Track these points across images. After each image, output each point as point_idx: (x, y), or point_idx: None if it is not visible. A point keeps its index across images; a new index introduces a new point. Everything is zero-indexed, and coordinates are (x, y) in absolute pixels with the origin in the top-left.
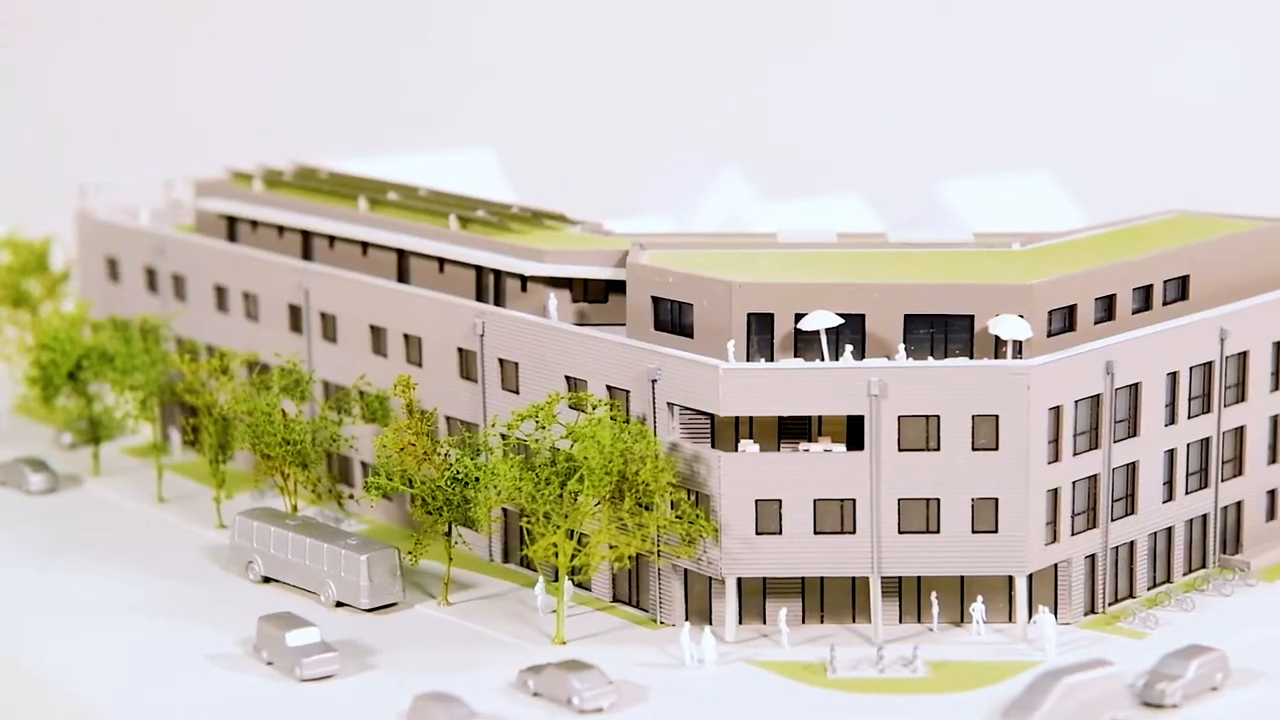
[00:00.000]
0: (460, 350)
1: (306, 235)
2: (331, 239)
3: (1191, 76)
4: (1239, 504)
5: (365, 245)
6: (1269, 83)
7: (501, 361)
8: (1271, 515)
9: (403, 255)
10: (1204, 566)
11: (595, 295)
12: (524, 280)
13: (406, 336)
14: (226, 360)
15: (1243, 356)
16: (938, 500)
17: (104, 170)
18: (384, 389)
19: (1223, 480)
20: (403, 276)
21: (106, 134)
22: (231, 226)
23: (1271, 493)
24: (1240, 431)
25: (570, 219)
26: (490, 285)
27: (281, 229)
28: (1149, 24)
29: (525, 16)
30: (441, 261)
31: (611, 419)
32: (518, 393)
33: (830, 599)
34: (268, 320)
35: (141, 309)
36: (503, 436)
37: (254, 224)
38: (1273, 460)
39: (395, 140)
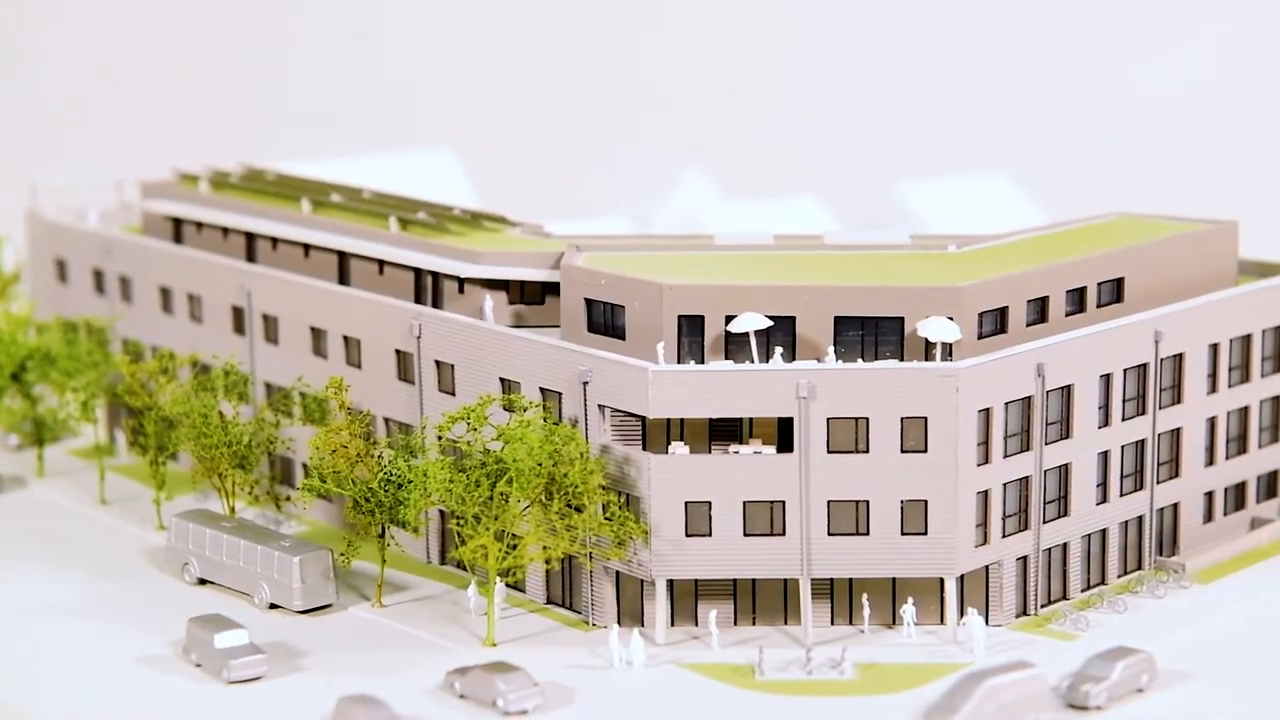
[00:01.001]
0: (398, 352)
1: (250, 237)
2: (274, 241)
3: (1153, 77)
4: (1175, 506)
5: (307, 247)
6: (1235, 82)
7: (438, 363)
8: (1209, 517)
9: (344, 257)
10: (1140, 568)
11: (532, 297)
12: (461, 282)
13: (346, 338)
14: (166, 361)
15: (1178, 359)
16: (867, 502)
17: (57, 171)
18: (323, 390)
19: (1159, 482)
20: (344, 278)
21: (60, 135)
22: (177, 228)
23: (1209, 495)
24: (1176, 434)
25: (510, 220)
26: (429, 287)
27: (226, 231)
28: (1114, 25)
29: (490, 16)
30: (381, 263)
31: (543, 420)
32: (454, 394)
33: (762, 601)
34: (211, 322)
35: (89, 310)
36: (438, 438)
37: (199, 226)
38: (1210, 462)
39: (356, 141)
